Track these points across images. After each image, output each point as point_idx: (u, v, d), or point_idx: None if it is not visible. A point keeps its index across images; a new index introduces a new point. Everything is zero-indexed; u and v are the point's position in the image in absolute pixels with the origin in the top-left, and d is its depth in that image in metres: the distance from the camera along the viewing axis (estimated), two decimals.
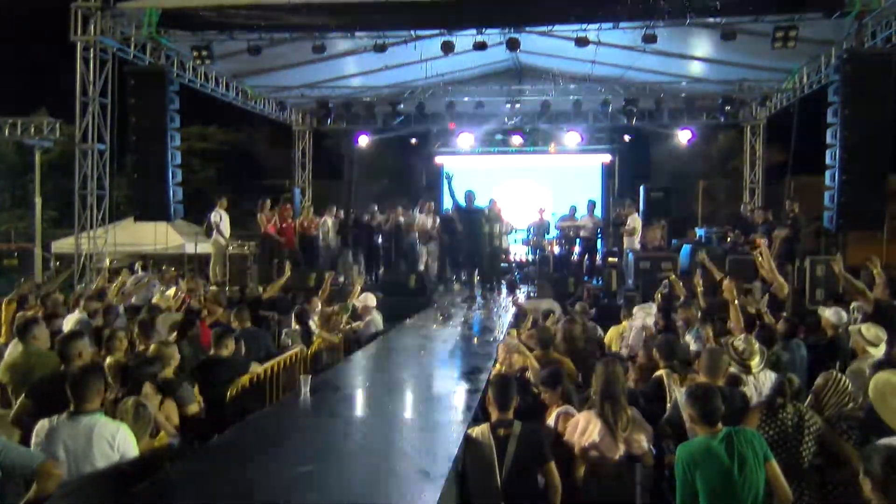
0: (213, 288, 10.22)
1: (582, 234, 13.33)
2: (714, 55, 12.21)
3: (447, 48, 10.89)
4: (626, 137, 16.96)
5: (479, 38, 10.89)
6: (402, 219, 13.48)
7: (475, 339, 6.75)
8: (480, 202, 10.21)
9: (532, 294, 10.91)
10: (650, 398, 4.51)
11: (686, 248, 11.68)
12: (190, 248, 15.61)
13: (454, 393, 4.68)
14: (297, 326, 7.39)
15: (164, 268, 12.52)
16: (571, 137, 16.14)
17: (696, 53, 12.27)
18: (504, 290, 10.66)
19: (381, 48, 11.15)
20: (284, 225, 12.69)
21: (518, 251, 14.86)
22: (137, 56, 11.46)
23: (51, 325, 5.73)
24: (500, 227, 10.89)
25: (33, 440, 3.32)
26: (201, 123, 24.14)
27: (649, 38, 10.30)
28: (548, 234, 13.74)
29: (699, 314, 6.30)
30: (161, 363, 4.51)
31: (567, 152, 16.88)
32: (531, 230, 13.90)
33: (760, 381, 4.27)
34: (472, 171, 16.43)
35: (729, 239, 12.08)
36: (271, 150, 23.44)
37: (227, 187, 16.96)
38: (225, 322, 6.63)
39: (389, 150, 19.89)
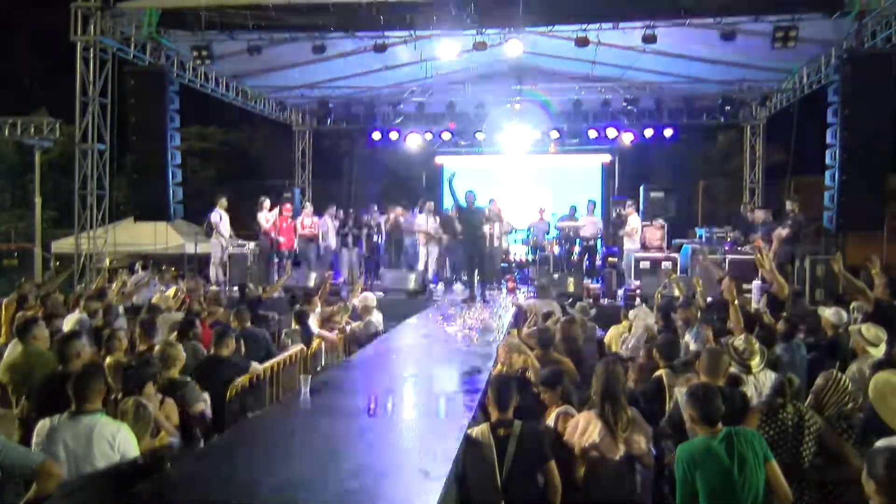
0: (213, 288, 10.23)
1: (582, 234, 13.37)
2: (714, 55, 12.19)
3: (447, 48, 10.88)
4: (626, 137, 16.94)
5: (479, 38, 10.89)
6: (402, 219, 13.48)
7: (475, 339, 6.74)
8: (480, 202, 10.21)
9: (532, 294, 10.92)
10: (650, 398, 4.51)
11: (686, 248, 11.69)
12: (190, 248, 15.57)
13: (454, 393, 4.67)
14: (297, 326, 7.38)
15: (164, 268, 12.50)
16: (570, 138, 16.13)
17: (696, 53, 12.26)
18: (504, 290, 10.67)
19: (381, 48, 11.14)
20: (284, 225, 12.70)
21: (518, 251, 14.86)
22: (137, 56, 11.45)
23: (50, 325, 5.72)
24: (500, 227, 10.91)
25: (34, 440, 3.32)
26: (201, 123, 24.07)
27: (649, 38, 10.29)
28: (548, 234, 13.74)
29: (699, 314, 6.30)
30: (165, 363, 4.51)
31: (567, 152, 16.87)
32: (531, 230, 13.91)
33: (760, 381, 4.27)
34: (472, 171, 16.42)
35: (729, 239, 12.09)
36: (271, 150, 23.39)
37: (227, 187, 16.89)
38: (225, 322, 6.64)
39: (389, 150, 19.86)
